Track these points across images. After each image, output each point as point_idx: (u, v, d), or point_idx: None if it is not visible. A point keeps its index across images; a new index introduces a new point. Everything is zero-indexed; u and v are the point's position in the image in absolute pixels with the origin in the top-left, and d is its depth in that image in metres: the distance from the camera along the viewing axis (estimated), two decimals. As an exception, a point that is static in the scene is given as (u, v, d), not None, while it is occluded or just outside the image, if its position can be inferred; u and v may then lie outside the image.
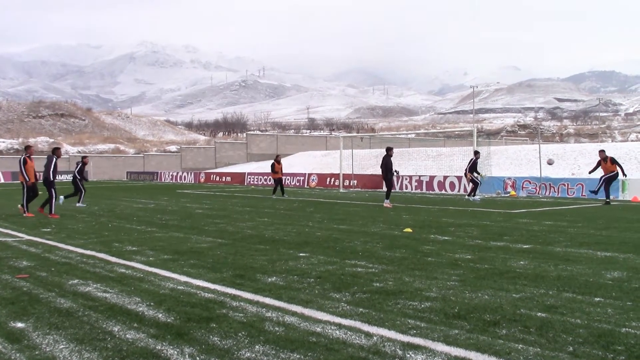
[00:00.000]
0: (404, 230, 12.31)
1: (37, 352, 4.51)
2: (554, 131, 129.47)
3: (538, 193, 25.68)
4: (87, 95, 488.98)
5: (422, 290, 6.51)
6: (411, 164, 39.33)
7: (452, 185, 28.93)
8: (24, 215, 16.09)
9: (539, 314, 5.49)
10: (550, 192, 25.43)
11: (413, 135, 73.84)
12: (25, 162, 16.26)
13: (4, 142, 69.50)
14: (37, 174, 16.83)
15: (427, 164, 37.89)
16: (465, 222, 14.13)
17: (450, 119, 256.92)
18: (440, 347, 4.55)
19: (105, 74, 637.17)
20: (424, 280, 7.07)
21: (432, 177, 30.32)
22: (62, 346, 4.65)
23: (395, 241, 10.62)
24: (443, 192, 28.79)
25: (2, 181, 49.15)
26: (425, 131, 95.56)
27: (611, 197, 20.64)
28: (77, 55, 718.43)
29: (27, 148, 16.88)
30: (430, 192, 29.18)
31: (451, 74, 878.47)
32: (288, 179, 37.85)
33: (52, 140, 73.22)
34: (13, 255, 9.23)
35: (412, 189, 30.40)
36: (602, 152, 20.57)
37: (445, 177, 29.74)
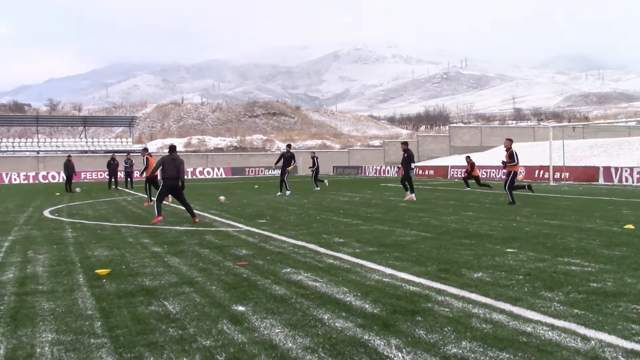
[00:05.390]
0: (625, 226, 11.29)
1: (256, 335, 4.87)
2: None
3: None
4: (295, 94, 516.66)
5: (648, 293, 5.92)
6: (632, 154, 36.02)
7: (681, 177, 25.88)
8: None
9: None
10: None
11: (634, 123, 67.31)
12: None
13: (224, 140, 75.99)
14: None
15: (650, 154, 34.41)
16: (698, 218, 12.58)
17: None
18: (671, 357, 4.10)
19: (311, 73, 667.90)
20: (649, 282, 6.42)
21: (657, 169, 27.41)
22: (277, 330, 4.97)
23: (614, 238, 9.78)
24: (670, 185, 25.88)
25: (224, 176, 53.79)
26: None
27: None
28: (286, 57, 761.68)
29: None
30: (655, 185, 26.40)
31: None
32: (493, 172, 36.75)
33: (265, 137, 78.53)
34: (234, 244, 10.07)
35: (633, 182, 27.76)
36: None
37: (673, 169, 26.70)
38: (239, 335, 4.85)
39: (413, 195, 19.39)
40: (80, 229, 12.92)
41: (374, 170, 51.29)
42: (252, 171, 55.93)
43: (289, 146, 24.77)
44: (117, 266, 8.11)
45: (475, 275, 7.01)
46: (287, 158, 23.50)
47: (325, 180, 29.07)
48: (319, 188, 27.37)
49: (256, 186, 32.73)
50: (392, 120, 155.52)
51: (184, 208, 14.17)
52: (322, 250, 9.21)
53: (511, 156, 17.17)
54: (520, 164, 18.13)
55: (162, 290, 6.58)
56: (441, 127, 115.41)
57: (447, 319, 5.15)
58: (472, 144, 59.83)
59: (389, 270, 7.39)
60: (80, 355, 4.46)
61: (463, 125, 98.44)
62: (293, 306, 5.74)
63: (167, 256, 8.92)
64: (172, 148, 13.72)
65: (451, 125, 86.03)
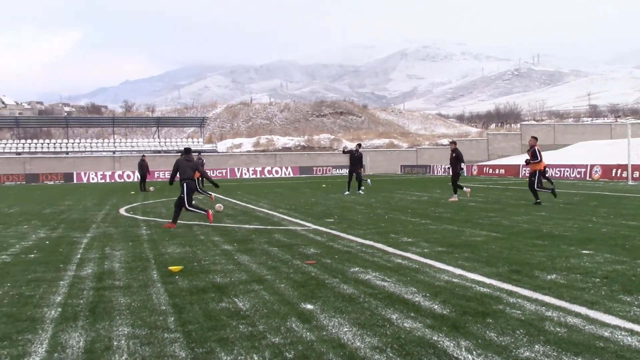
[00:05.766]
0: None
1: (324, 333, 4.89)
2: None
3: None
4: (362, 93, 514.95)
5: None
6: None
7: None
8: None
9: None
10: None
11: None
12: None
13: (292, 139, 76.73)
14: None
15: None
16: None
17: None
18: None
19: (379, 71, 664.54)
20: None
21: None
22: (345, 329, 4.97)
23: (698, 240, 9.29)
24: None
25: (292, 175, 54.28)
26: None
27: None
28: (353, 56, 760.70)
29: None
30: None
31: None
32: (567, 171, 35.64)
33: (332, 137, 78.81)
34: (302, 243, 10.15)
35: None
36: None
37: None
38: (308, 333, 4.89)
39: (456, 197, 19.11)
40: (154, 227, 13.34)
41: (443, 170, 50.63)
42: (319, 170, 56.23)
43: (358, 145, 24.65)
44: (189, 263, 8.32)
45: (549, 277, 6.80)
46: (357, 157, 23.37)
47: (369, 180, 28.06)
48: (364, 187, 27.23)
49: (324, 185, 32.87)
50: (461, 118, 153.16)
51: (178, 206, 13.67)
52: (390, 249, 9.16)
53: (534, 154, 16.80)
54: (545, 162, 17.76)
55: (233, 287, 6.70)
56: (512, 125, 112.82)
57: (520, 322, 5.03)
58: (545, 142, 58.07)
59: (458, 271, 7.28)
60: (154, 349, 4.59)
61: (535, 122, 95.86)
62: (361, 305, 5.73)
63: (237, 254, 9.08)
64: (187, 150, 13.89)
65: (523, 123, 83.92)
